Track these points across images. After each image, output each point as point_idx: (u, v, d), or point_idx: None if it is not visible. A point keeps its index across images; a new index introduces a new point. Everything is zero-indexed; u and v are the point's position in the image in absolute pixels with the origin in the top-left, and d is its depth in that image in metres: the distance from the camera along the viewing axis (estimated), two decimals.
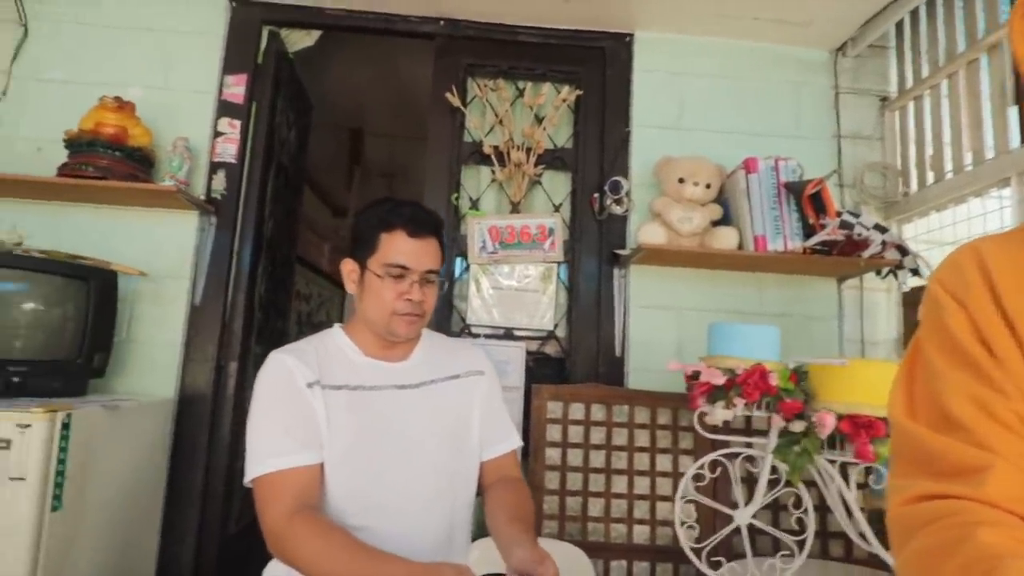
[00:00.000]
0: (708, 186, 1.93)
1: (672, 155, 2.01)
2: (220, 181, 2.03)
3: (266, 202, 2.24)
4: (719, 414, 1.44)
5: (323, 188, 4.51)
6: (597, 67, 2.19)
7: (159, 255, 1.96)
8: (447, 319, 2.05)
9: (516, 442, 1.23)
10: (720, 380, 1.43)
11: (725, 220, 1.95)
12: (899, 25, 2.09)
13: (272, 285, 2.42)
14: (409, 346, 1.17)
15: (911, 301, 1.96)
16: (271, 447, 0.99)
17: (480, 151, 2.12)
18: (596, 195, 2.10)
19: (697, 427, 1.49)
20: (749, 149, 2.05)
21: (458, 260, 2.10)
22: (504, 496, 1.12)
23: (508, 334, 2.05)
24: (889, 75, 2.17)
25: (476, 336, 2.02)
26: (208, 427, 1.97)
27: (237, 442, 2.10)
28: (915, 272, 1.77)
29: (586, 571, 1.70)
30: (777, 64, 2.17)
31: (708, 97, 2.15)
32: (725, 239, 1.88)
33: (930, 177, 1.95)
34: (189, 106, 2.03)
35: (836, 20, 2.02)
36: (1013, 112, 1.68)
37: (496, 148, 2.10)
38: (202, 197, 1.99)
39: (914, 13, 2.02)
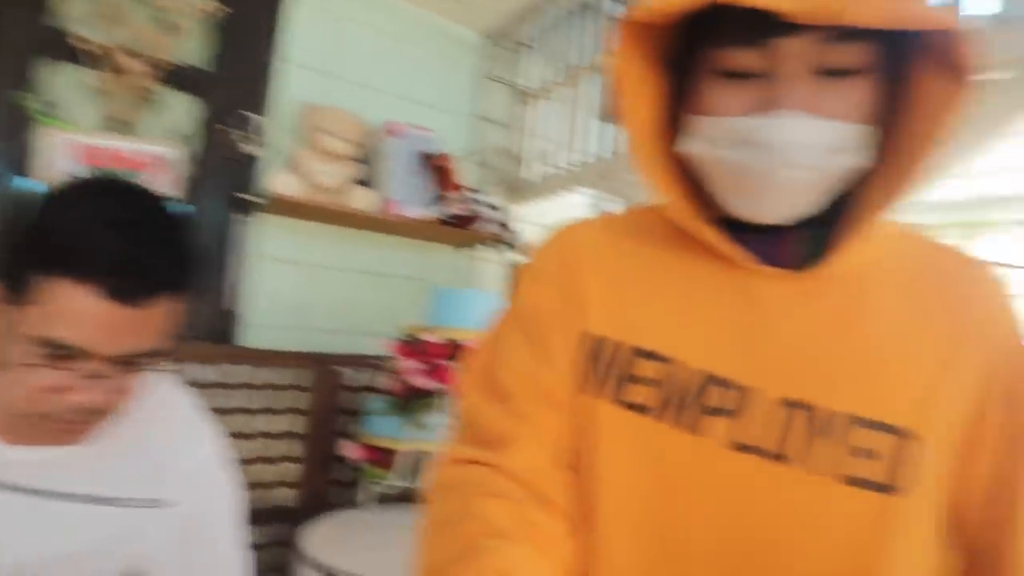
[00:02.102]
0: (351, 142, 1.87)
1: (319, 103, 1.90)
2: None
3: None
4: None
5: None
6: None
7: None
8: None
9: None
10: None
11: (365, 180, 1.94)
12: (541, 28, 2.33)
13: None
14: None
15: (514, 272, 2.26)
16: None
17: (68, 44, 1.66)
18: (227, 129, 1.86)
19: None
20: (396, 112, 2.07)
21: (21, 181, 1.63)
22: None
23: None
24: (527, 71, 2.43)
25: None
26: None
27: None
28: (513, 247, 2.04)
29: None
30: (436, 35, 2.22)
31: (366, 51, 2.09)
32: (364, 199, 1.86)
33: (541, 168, 2.26)
34: None
35: (489, 8, 2.15)
36: (610, 126, 2.04)
37: (98, 47, 1.67)
38: None
39: (555, 20, 2.28)
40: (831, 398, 0.47)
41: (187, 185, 1.80)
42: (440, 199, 1.93)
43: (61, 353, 0.57)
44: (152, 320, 0.61)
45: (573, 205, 2.19)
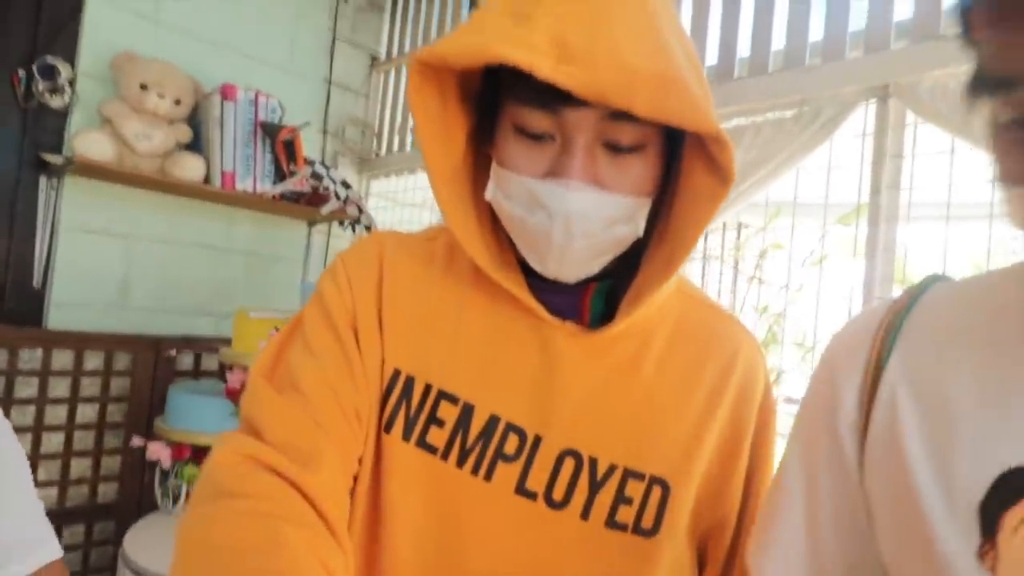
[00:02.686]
0: (178, 102, 1.68)
1: (138, 52, 1.67)
2: None
3: None
4: None
5: None
6: None
7: None
8: None
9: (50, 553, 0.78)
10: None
11: (195, 146, 1.76)
12: None
13: None
14: None
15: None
16: None
17: None
18: (22, 73, 1.59)
19: None
20: (237, 71, 1.89)
21: None
22: None
23: None
24: (382, 36, 2.32)
25: None
26: None
27: None
28: (367, 228, 1.98)
29: None
30: None
31: None
32: (190, 169, 1.69)
33: (396, 143, 2.20)
34: None
35: None
36: None
37: None
38: None
39: None
40: (603, 450, 0.52)
41: None
42: (282, 173, 1.81)
43: None
44: None
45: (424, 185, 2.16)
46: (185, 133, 1.72)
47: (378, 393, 0.53)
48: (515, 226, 0.51)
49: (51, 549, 0.78)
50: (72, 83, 1.65)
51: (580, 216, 0.46)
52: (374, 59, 2.30)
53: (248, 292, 1.98)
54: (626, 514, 0.51)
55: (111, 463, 1.70)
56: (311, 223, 2.10)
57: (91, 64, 1.68)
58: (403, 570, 0.52)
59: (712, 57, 1.34)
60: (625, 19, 0.45)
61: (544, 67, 0.42)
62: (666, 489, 0.52)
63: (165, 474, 1.57)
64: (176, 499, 1.54)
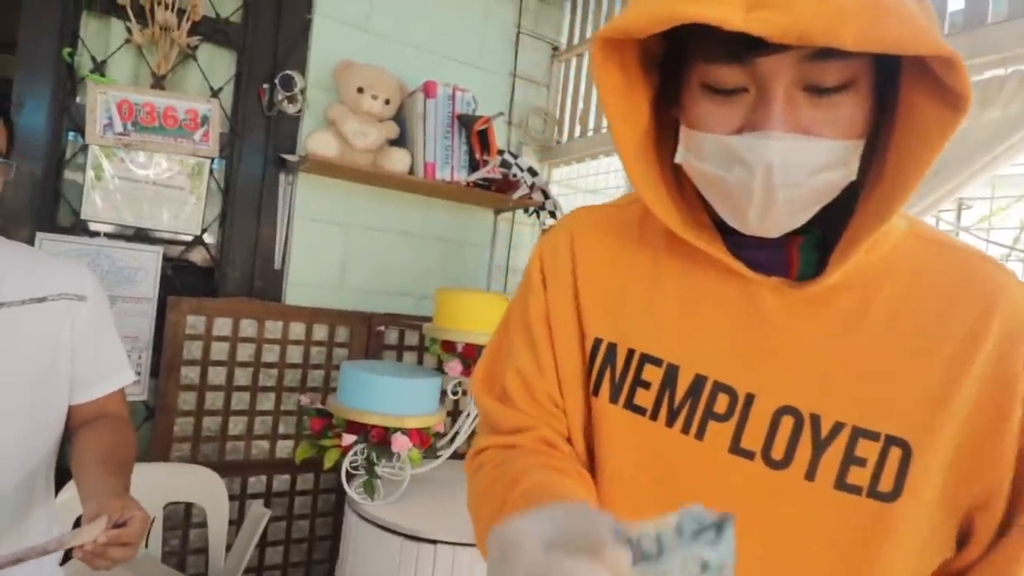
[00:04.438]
0: (388, 102, 1.86)
1: (355, 60, 1.88)
2: None
3: None
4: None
5: None
6: None
7: None
8: (51, 211, 1.63)
9: (125, 379, 1.04)
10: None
11: (401, 140, 1.93)
12: None
13: None
14: None
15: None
16: None
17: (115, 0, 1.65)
18: (266, 87, 1.86)
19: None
20: (432, 70, 2.04)
21: (71, 136, 1.66)
22: (98, 435, 0.96)
23: (141, 236, 1.73)
24: (563, 27, 2.37)
25: (94, 235, 1.66)
26: None
27: None
28: (552, 214, 2.04)
29: (219, 491, 1.64)
30: None
31: (401, 3, 2.04)
32: (398, 161, 1.86)
33: (577, 131, 2.23)
34: None
35: None
36: None
37: (139, 2, 1.66)
38: None
39: None
40: (826, 407, 0.49)
41: (227, 142, 1.82)
42: (477, 162, 1.92)
43: None
44: None
45: (612, 170, 2.17)
46: (393, 129, 1.90)
47: (581, 364, 0.58)
48: (711, 186, 0.50)
49: (124, 377, 1.04)
50: (303, 91, 1.89)
51: (783, 167, 0.44)
52: (555, 49, 2.35)
53: (442, 275, 2.14)
54: (859, 476, 0.48)
55: None
56: (497, 211, 2.21)
57: (318, 74, 1.91)
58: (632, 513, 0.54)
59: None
60: None
61: (735, 18, 0.40)
62: (907, 450, 0.47)
63: None
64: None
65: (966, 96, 0.41)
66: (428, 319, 1.97)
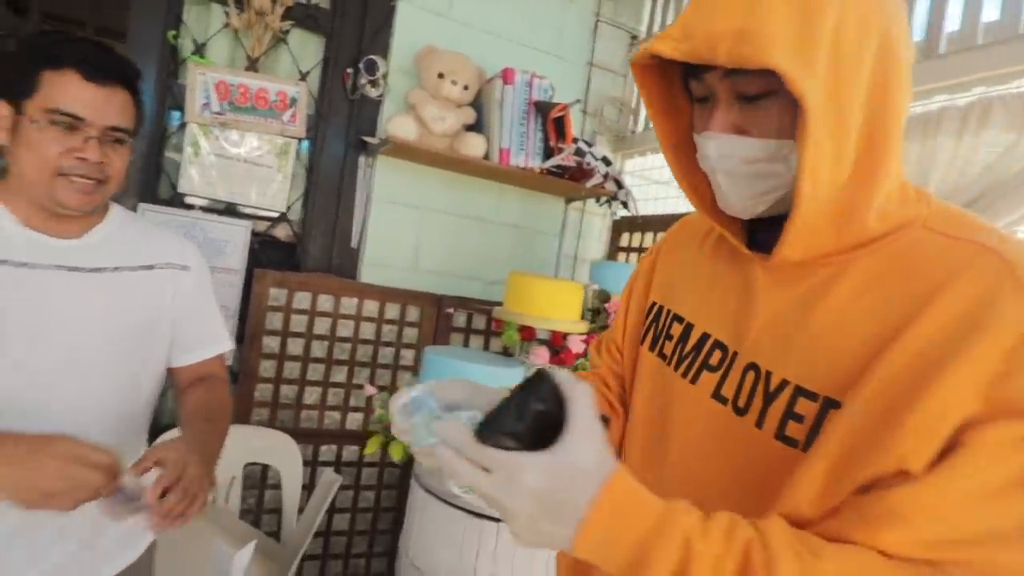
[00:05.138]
0: (467, 87, 1.89)
1: (436, 46, 1.91)
2: None
3: None
4: None
5: None
6: None
7: None
8: (152, 184, 1.74)
9: (223, 346, 1.12)
10: None
11: (477, 126, 1.96)
12: None
13: None
14: (87, 221, 0.95)
15: (618, 228, 2.25)
16: None
17: None
18: (350, 71, 1.92)
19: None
20: (511, 58, 2.05)
21: (174, 114, 1.77)
22: (197, 396, 1.04)
23: (231, 210, 1.83)
24: (643, 15, 2.33)
25: (190, 208, 1.76)
26: None
27: None
28: (624, 204, 2.02)
29: (294, 456, 1.72)
30: None
31: None
32: (474, 146, 1.89)
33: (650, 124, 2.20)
34: None
35: None
36: None
37: None
38: None
39: None
40: (779, 366, 0.56)
41: (313, 123, 1.89)
42: (551, 150, 1.93)
43: (67, 121, 0.85)
44: (118, 100, 0.89)
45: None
46: (470, 114, 1.92)
47: (641, 323, 0.76)
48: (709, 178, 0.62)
49: (223, 345, 1.12)
50: (385, 76, 1.94)
51: (719, 159, 0.56)
52: (633, 38, 2.32)
53: (511, 261, 2.16)
54: (796, 430, 0.53)
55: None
56: (568, 200, 2.21)
57: (400, 59, 1.96)
58: (635, 444, 0.73)
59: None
60: None
61: (668, 48, 0.53)
62: (828, 406, 0.52)
63: None
64: None
65: (800, 100, 0.48)
66: (496, 303, 2.00)
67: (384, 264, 1.99)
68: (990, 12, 1.23)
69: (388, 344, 1.96)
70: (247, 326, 1.78)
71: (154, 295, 1.01)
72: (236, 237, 1.80)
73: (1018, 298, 0.46)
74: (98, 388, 0.94)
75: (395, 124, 1.82)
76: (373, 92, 1.94)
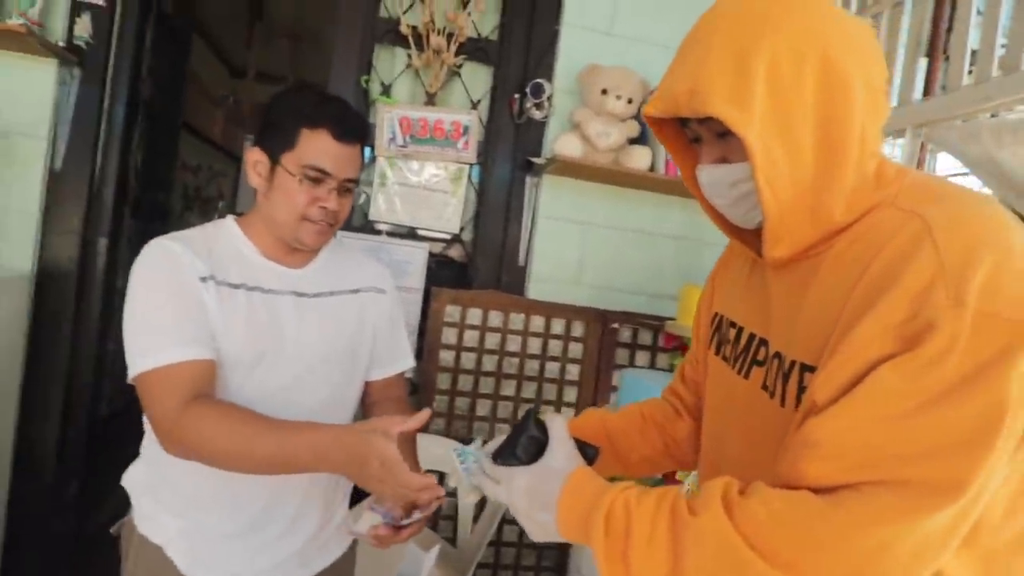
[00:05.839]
0: (630, 101, 1.88)
1: (599, 63, 1.93)
2: (85, 26, 1.73)
3: (143, 53, 1.96)
4: None
5: (217, 43, 4.01)
6: None
7: (9, 108, 1.68)
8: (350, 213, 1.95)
9: (408, 364, 1.20)
10: None
11: (642, 139, 1.94)
12: None
13: (151, 153, 2.18)
14: (311, 252, 1.08)
15: None
16: (158, 340, 0.89)
17: (396, 30, 1.93)
18: (516, 96, 2.00)
19: None
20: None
21: (365, 150, 1.97)
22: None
23: (412, 233, 1.99)
24: None
25: (378, 233, 1.94)
26: (73, 306, 1.80)
27: (107, 324, 1.96)
28: None
29: None
30: None
31: (644, 4, 2.05)
32: (639, 159, 1.87)
33: None
34: None
35: None
36: (922, 64, 1.73)
37: (415, 29, 1.92)
38: (61, 43, 1.70)
39: None
40: (790, 348, 0.64)
41: (481, 149, 2.00)
42: None
43: (316, 176, 0.96)
44: (356, 156, 1.00)
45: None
46: (635, 128, 1.91)
47: (709, 332, 0.85)
48: None
49: (408, 361, 1.20)
50: (550, 98, 2.00)
51: (710, 185, 0.69)
52: None
53: (676, 274, 2.09)
54: (789, 395, 0.63)
55: (569, 414, 2.01)
56: None
57: (564, 80, 2.01)
58: (706, 438, 0.83)
59: None
60: (687, 58, 0.64)
61: (651, 108, 0.67)
62: (807, 372, 0.61)
63: None
64: None
65: (737, 135, 0.60)
66: (661, 318, 1.93)
67: (550, 280, 2.03)
68: None
69: (554, 359, 1.99)
70: (425, 341, 1.91)
71: (360, 316, 1.11)
72: (416, 258, 1.95)
73: (930, 253, 0.52)
74: (320, 402, 1.05)
75: (561, 143, 1.86)
76: (538, 114, 2.00)
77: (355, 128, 0.99)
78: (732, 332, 0.77)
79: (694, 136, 0.69)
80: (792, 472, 0.54)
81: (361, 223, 1.97)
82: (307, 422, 0.87)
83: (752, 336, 0.73)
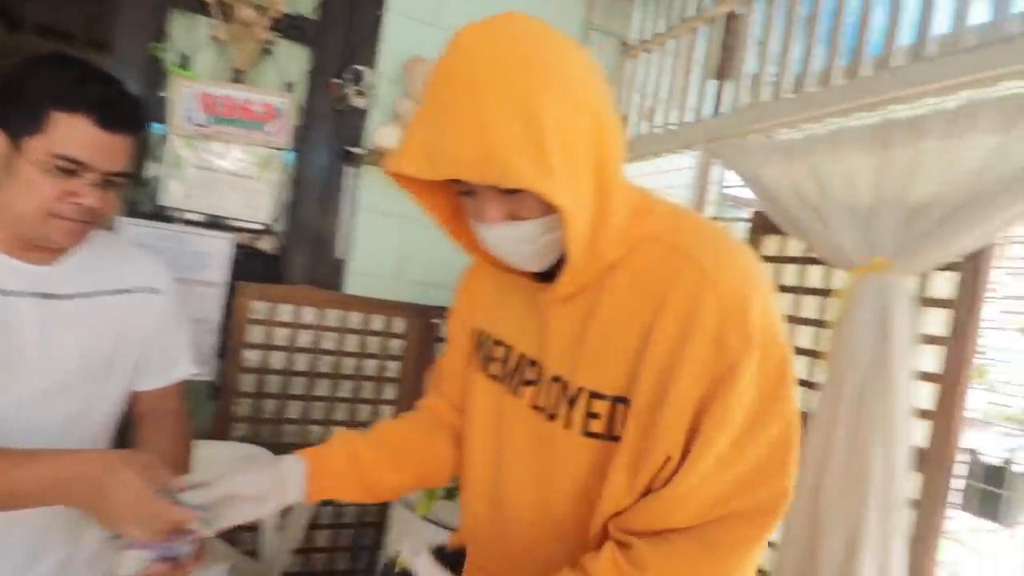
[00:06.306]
0: None
1: (422, 56, 1.90)
2: None
3: None
4: None
5: None
6: None
7: None
8: (133, 199, 1.73)
9: (185, 372, 1.07)
10: None
11: None
12: None
13: None
14: (65, 248, 0.92)
15: None
16: None
17: None
18: (337, 81, 1.91)
19: None
20: None
21: (155, 127, 1.75)
22: (155, 441, 0.99)
23: (214, 223, 1.81)
24: (632, 22, 2.31)
25: (171, 222, 1.75)
26: None
27: None
28: None
29: None
30: None
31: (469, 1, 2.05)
32: None
33: (643, 127, 2.17)
34: None
35: None
36: (712, 85, 1.91)
37: None
38: None
39: None
40: (573, 376, 0.67)
41: (297, 134, 1.88)
42: None
43: (71, 167, 0.81)
44: (126, 146, 0.86)
45: (678, 168, 2.10)
46: None
47: (469, 349, 0.85)
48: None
49: (185, 370, 1.07)
50: (372, 85, 1.93)
51: (501, 245, 0.66)
52: (624, 44, 2.30)
53: None
54: (596, 426, 0.66)
55: (387, 412, 1.96)
56: None
57: (387, 68, 1.95)
58: (475, 461, 0.81)
59: None
60: (457, 117, 0.57)
61: (413, 171, 0.59)
62: (629, 404, 0.64)
63: None
64: None
65: (551, 202, 0.58)
66: None
67: (369, 274, 1.97)
68: (978, 14, 1.19)
69: (373, 356, 1.93)
70: (227, 340, 1.76)
71: (124, 319, 0.97)
72: (219, 249, 1.78)
73: (712, 300, 0.60)
74: (60, 418, 0.91)
75: (381, 134, 1.81)
76: (360, 102, 1.92)
77: (127, 115, 0.85)
78: (500, 350, 0.78)
79: (466, 190, 0.65)
80: (658, 520, 0.63)
81: (150, 209, 1.75)
82: (37, 452, 0.75)
83: (522, 356, 0.75)
